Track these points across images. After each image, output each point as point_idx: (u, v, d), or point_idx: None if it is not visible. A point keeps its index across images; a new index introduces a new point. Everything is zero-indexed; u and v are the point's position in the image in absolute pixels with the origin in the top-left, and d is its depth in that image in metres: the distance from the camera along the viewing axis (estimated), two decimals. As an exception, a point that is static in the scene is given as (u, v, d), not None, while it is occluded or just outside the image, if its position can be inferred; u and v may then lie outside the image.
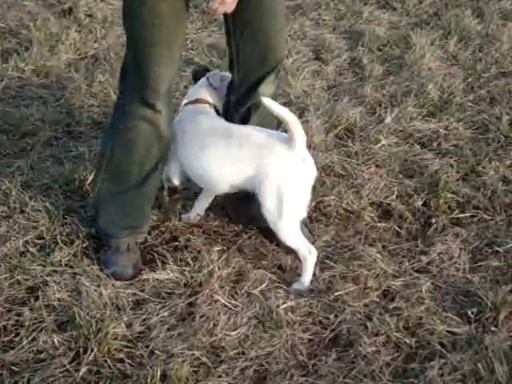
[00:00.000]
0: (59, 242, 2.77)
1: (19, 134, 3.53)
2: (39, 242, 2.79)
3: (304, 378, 2.27)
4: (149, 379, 2.21)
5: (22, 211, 2.93)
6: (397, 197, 3.11)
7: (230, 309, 2.52)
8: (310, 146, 3.13)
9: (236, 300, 2.56)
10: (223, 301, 2.54)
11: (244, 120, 2.80)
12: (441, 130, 3.61)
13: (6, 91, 3.90)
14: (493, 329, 2.44)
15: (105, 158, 2.76)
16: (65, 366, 2.26)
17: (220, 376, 2.26)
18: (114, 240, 2.76)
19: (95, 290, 2.53)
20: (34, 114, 3.67)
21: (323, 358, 2.35)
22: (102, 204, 2.81)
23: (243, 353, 2.35)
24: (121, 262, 2.70)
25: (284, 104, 3.02)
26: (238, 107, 2.81)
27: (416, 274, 2.71)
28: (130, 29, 2.58)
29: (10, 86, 3.96)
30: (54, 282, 2.58)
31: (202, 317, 2.47)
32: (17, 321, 2.43)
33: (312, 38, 4.66)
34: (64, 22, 4.62)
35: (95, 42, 4.43)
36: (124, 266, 2.70)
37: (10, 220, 2.88)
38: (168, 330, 2.42)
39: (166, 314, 2.49)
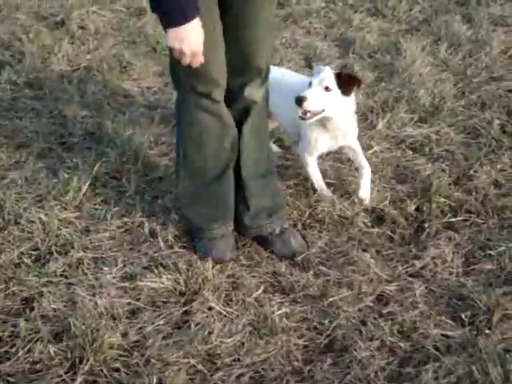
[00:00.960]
0: (54, 252, 2.78)
1: (13, 146, 3.55)
2: (34, 253, 2.80)
3: (300, 384, 2.29)
4: (145, 387, 2.22)
5: (16, 223, 2.94)
6: (389, 202, 3.13)
7: (225, 316, 2.53)
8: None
9: (231, 307, 2.57)
10: (218, 308, 2.55)
11: (241, 121, 2.82)
12: (432, 135, 3.64)
13: (-1, 103, 3.93)
14: (487, 331, 2.45)
15: (180, 158, 2.83)
16: (61, 376, 2.27)
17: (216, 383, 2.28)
18: (207, 232, 2.85)
19: (90, 300, 2.53)
20: (28, 126, 3.70)
21: (318, 363, 2.35)
22: (188, 200, 2.90)
23: (239, 360, 2.36)
24: (220, 248, 2.82)
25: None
26: (230, 105, 2.80)
27: (410, 279, 2.72)
28: None
29: (3, 98, 3.98)
30: (50, 292, 2.59)
31: (197, 325, 2.48)
32: (12, 332, 2.43)
33: (303, 46, 4.70)
34: (57, 34, 4.64)
35: (88, 53, 4.45)
36: (222, 251, 2.82)
37: (5, 232, 2.89)
38: (163, 338, 2.43)
39: (161, 322, 2.50)
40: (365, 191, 3.13)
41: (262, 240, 2.92)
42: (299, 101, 2.89)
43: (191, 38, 2.39)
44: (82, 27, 4.72)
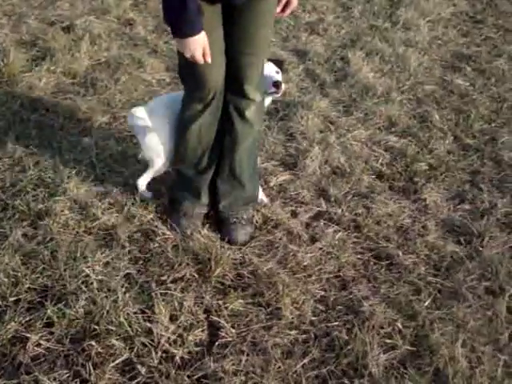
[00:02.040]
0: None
1: (77, 118, 4.43)
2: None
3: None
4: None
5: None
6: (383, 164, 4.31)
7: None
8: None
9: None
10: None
11: (242, 115, 3.31)
12: (393, 117, 4.89)
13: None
14: (480, 249, 3.60)
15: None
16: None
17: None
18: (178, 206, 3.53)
19: None
20: (83, 105, 4.57)
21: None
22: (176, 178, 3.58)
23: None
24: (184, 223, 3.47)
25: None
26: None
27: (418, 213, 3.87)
28: None
29: (48, 84, 4.82)
30: None
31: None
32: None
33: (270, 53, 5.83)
34: (69, 36, 5.49)
35: (106, 50, 5.35)
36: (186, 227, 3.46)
37: None
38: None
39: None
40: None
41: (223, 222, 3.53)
42: (279, 84, 3.38)
43: (190, 48, 2.87)
44: (88, 31, 5.57)
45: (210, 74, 3.11)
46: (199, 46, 2.90)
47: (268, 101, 3.56)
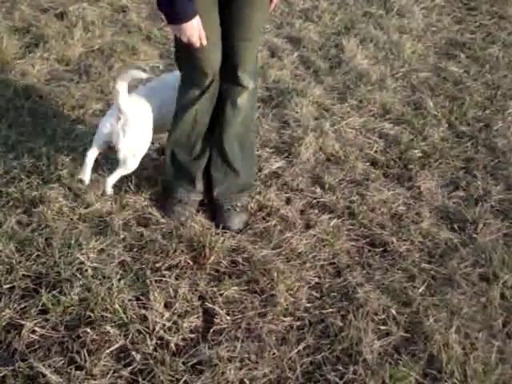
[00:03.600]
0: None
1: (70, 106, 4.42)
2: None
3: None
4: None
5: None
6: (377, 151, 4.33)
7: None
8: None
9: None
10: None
11: (233, 102, 3.33)
12: (388, 104, 4.89)
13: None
14: (474, 236, 3.62)
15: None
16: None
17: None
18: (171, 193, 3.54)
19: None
20: (76, 93, 4.55)
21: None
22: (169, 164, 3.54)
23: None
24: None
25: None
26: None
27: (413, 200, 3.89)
28: None
29: (41, 70, 4.80)
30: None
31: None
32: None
33: (263, 41, 5.81)
34: (62, 23, 5.46)
35: (99, 37, 5.33)
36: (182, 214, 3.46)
37: None
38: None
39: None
40: None
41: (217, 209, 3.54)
42: None
43: (186, 33, 2.93)
44: (81, 18, 5.54)
45: (207, 59, 3.13)
46: (195, 30, 2.93)
47: None
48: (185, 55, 3.16)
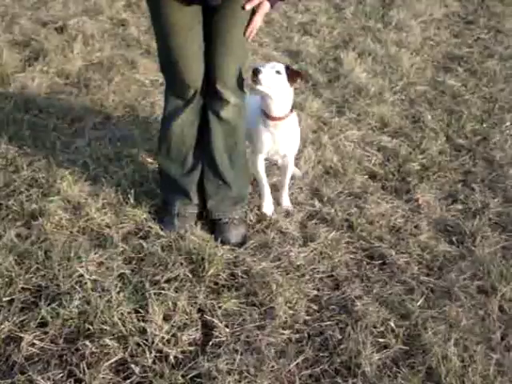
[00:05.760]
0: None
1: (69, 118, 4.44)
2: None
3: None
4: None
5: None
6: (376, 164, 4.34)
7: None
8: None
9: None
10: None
11: (217, 115, 3.31)
12: (386, 118, 4.92)
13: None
14: (472, 248, 3.60)
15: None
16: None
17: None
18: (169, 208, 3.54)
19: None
20: (76, 106, 4.58)
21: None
22: (164, 178, 3.56)
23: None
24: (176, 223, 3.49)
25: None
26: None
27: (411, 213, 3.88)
28: (156, 35, 3.17)
29: (41, 84, 4.82)
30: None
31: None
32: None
33: (262, 54, 5.86)
34: (62, 37, 5.50)
35: (98, 51, 5.37)
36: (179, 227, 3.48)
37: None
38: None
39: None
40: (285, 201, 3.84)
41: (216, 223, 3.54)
42: (256, 72, 3.27)
43: None
44: (81, 32, 5.57)
45: (189, 71, 3.15)
46: None
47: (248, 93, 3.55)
48: (167, 67, 3.20)
